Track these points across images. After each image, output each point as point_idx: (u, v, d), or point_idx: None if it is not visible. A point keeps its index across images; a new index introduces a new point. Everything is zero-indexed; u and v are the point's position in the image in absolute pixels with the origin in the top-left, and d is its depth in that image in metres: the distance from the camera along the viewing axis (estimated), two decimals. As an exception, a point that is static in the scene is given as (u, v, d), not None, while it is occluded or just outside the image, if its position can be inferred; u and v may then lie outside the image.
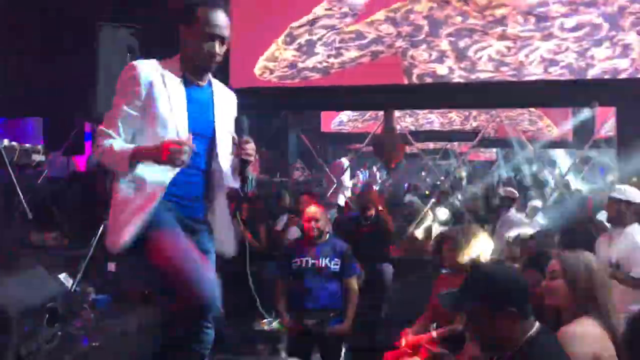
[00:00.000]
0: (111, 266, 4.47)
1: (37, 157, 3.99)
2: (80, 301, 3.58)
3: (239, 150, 2.13)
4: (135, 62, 2.12)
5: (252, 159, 2.16)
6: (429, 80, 5.56)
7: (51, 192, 6.27)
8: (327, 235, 3.97)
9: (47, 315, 2.97)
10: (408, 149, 8.06)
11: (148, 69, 2.10)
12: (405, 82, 5.62)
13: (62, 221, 6.03)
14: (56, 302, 3.05)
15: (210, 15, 2.09)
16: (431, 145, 10.85)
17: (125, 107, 2.06)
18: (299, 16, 5.81)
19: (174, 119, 2.08)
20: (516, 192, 6.06)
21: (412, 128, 9.10)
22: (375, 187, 11.13)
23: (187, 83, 2.15)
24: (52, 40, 5.40)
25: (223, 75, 5.81)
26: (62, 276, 3.69)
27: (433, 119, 9.62)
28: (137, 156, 2.01)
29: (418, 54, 5.58)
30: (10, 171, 3.37)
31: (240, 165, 2.17)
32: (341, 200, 7.47)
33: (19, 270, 3.13)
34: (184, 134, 2.07)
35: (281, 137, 8.17)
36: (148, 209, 2.04)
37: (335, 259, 3.83)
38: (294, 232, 5.18)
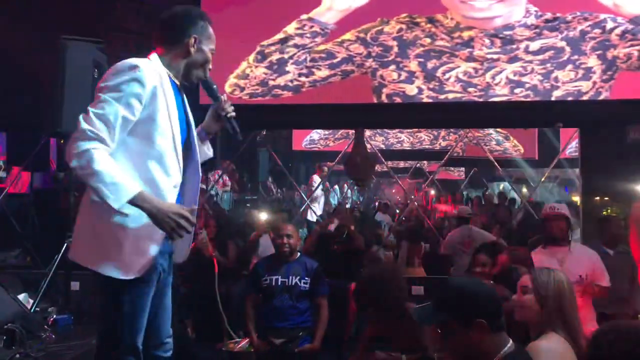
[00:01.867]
0: (75, 285, 4.35)
1: (-2, 173, 3.86)
2: (40, 322, 3.46)
3: (222, 110, 2.21)
4: (138, 62, 1.95)
5: (233, 113, 2.24)
6: (398, 99, 5.63)
7: (12, 209, 6.09)
8: (298, 254, 3.94)
9: (5, 337, 2.86)
10: (379, 168, 8.14)
11: (152, 73, 1.97)
12: (375, 101, 5.68)
13: (23, 239, 5.86)
14: (14, 324, 2.95)
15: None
16: (401, 164, 10.98)
17: (124, 111, 1.88)
18: (269, 35, 5.83)
19: (170, 127, 2.01)
20: (470, 210, 6.20)
21: (383, 147, 9.19)
22: (347, 205, 11.18)
23: (177, 88, 2.12)
24: (17, 54, 5.30)
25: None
26: (22, 296, 3.58)
27: (403, 138, 9.74)
28: (138, 203, 1.85)
29: (387, 73, 5.65)
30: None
31: (228, 123, 2.23)
32: (313, 218, 7.46)
33: (-25, 290, 3.02)
34: (179, 143, 2.04)
35: (252, 155, 8.15)
36: (161, 239, 1.99)
37: (306, 278, 3.79)
38: (264, 251, 5.14)
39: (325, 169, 8.75)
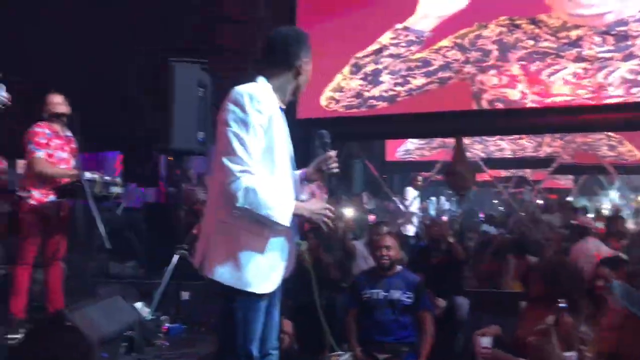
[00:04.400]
0: (184, 295, 4.55)
1: (116, 189, 4.13)
2: (155, 330, 3.65)
3: (326, 165, 2.18)
4: (254, 91, 1.99)
5: (338, 171, 2.21)
6: (500, 105, 5.40)
7: (128, 223, 6.51)
8: (399, 267, 3.86)
9: (125, 344, 3.04)
10: (479, 177, 7.84)
11: (268, 102, 2.02)
12: (475, 107, 5.48)
13: (138, 251, 6.24)
14: (133, 331, 3.13)
15: None
16: (503, 172, 10.49)
17: (255, 141, 1.95)
18: (363, 46, 5.84)
19: (284, 152, 2.09)
20: (592, 221, 5.72)
21: (482, 155, 8.84)
22: (445, 217, 10.87)
23: (283, 111, 2.15)
24: (129, 77, 5.70)
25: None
26: (139, 305, 3.79)
27: (504, 146, 9.32)
28: (297, 213, 2.02)
29: (487, 79, 5.45)
30: (91, 203, 3.51)
31: (328, 179, 2.23)
32: (410, 231, 7.32)
33: (99, 299, 3.24)
34: (290, 164, 2.13)
35: (347, 167, 8.16)
36: (291, 255, 2.11)
37: (408, 292, 3.69)
38: (363, 263, 5.10)
39: (421, 179, 8.57)
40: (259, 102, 1.96)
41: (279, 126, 2.05)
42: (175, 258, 4.19)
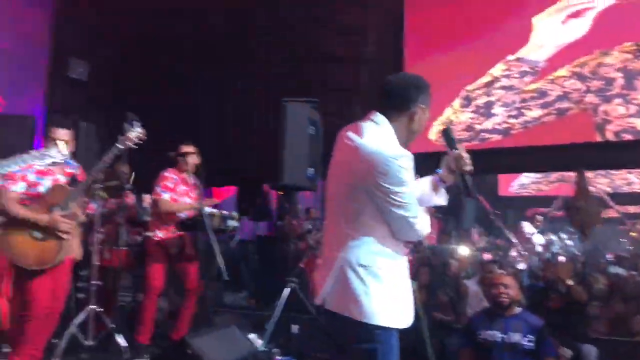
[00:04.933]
0: (294, 328, 4.61)
1: (233, 223, 4.36)
2: (267, 361, 3.73)
3: (456, 164, 2.09)
4: (401, 151, 1.98)
5: (471, 168, 2.09)
6: (627, 136, 4.99)
7: (240, 255, 6.79)
8: (518, 309, 3.63)
9: (239, 374, 3.13)
10: (605, 214, 7.24)
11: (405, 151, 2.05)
12: (599, 139, 5.12)
13: (249, 282, 6.46)
14: (247, 361, 3.21)
15: None
16: (631, 209, 9.61)
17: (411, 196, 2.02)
18: (473, 79, 5.73)
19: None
20: None
21: (608, 190, 8.19)
22: (562, 257, 10.10)
23: None
24: (245, 116, 6.02)
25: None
26: (252, 336, 3.90)
27: (632, 179, 8.58)
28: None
29: (612, 108, 5.08)
30: (211, 235, 3.72)
31: (460, 178, 2.11)
32: (525, 270, 6.89)
33: (216, 328, 3.38)
34: None
35: (456, 202, 7.92)
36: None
37: (529, 335, 3.45)
38: (475, 304, 4.87)
39: (541, 217, 8.08)
40: (408, 161, 1.97)
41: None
42: (286, 291, 4.27)
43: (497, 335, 3.51)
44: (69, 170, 3.20)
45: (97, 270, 4.03)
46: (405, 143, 2.12)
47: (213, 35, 6.47)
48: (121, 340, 3.84)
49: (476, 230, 9.34)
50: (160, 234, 4.20)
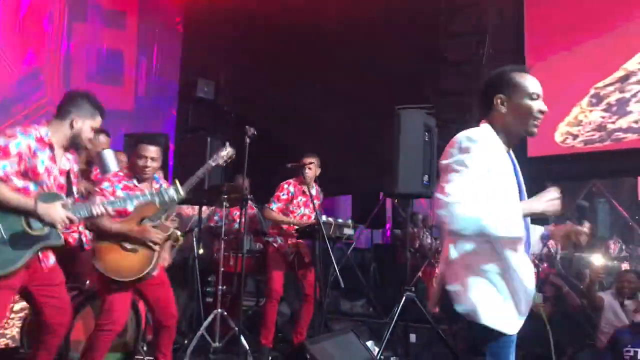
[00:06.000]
0: (412, 337, 4.57)
1: (348, 231, 4.42)
2: (384, 370, 3.72)
3: (576, 237, 2.09)
4: (473, 134, 1.98)
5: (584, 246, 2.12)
6: None
7: (357, 263, 6.84)
8: None
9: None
10: None
11: (490, 143, 2.00)
12: None
13: (366, 290, 6.49)
14: (363, 369, 3.23)
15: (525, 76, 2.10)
16: None
17: (471, 182, 1.92)
18: (604, 75, 5.30)
19: (511, 197, 2.02)
20: None
21: None
22: None
23: (510, 155, 2.10)
24: (360, 125, 6.08)
25: (521, 144, 5.62)
26: (370, 343, 3.91)
27: None
28: (528, 212, 1.92)
29: None
30: (328, 244, 3.81)
31: (573, 246, 2.12)
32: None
33: (334, 335, 3.44)
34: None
35: (589, 208, 7.34)
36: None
37: None
38: (612, 317, 4.48)
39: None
40: (475, 145, 1.93)
41: (504, 170, 1.98)
42: (403, 299, 4.24)
43: None
44: (156, 186, 3.38)
45: (222, 275, 4.30)
46: (512, 138, 2.06)
47: (330, 43, 6.63)
48: (245, 342, 4.05)
49: (613, 239, 8.58)
50: (279, 241, 4.45)
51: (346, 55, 6.51)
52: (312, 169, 4.50)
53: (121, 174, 3.36)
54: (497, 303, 1.96)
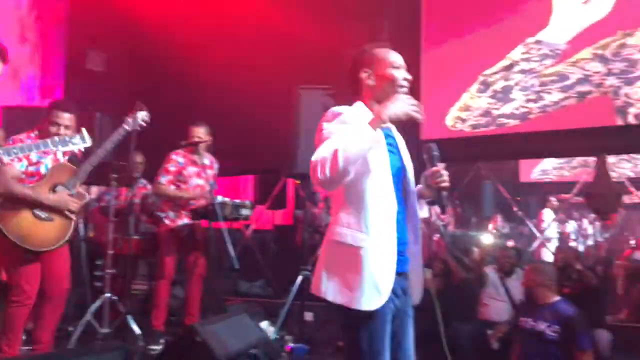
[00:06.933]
0: (308, 316, 4.63)
1: (246, 212, 4.36)
2: (279, 349, 3.74)
3: (433, 180, 2.10)
4: (342, 109, 2.04)
5: (448, 184, 2.11)
6: (650, 119, 4.85)
7: (257, 244, 6.82)
8: (555, 297, 3.64)
9: (249, 361, 3.14)
10: (627, 199, 7.07)
11: (359, 117, 2.03)
12: (619, 123, 4.98)
13: (265, 271, 6.49)
14: (257, 349, 3.22)
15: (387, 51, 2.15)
16: (657, 194, 9.38)
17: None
18: (491, 64, 5.61)
19: (383, 172, 2.04)
20: None
21: (631, 175, 7.98)
22: (589, 242, 9.93)
23: (388, 131, 2.13)
24: (261, 104, 6.00)
25: (414, 128, 5.83)
26: (264, 324, 3.91)
27: (657, 164, 8.35)
28: (378, 124, 1.91)
29: (634, 91, 4.93)
30: (222, 225, 3.74)
31: (436, 194, 2.13)
32: (547, 257, 6.79)
33: (227, 317, 3.40)
34: (389, 186, 2.05)
35: (475, 189, 7.81)
36: (393, 274, 2.01)
37: (555, 326, 3.45)
38: (493, 291, 4.82)
39: (555, 201, 7.94)
40: (341, 114, 2.00)
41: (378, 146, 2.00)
42: (299, 279, 4.28)
43: (530, 322, 3.59)
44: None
45: (114, 259, 4.09)
46: (392, 111, 2.01)
47: (232, 17, 6.44)
48: (135, 327, 3.90)
49: (498, 218, 9.23)
50: (171, 216, 4.26)
51: (250, 30, 6.38)
52: (202, 137, 4.34)
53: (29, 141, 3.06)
54: (354, 280, 1.96)
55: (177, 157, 4.32)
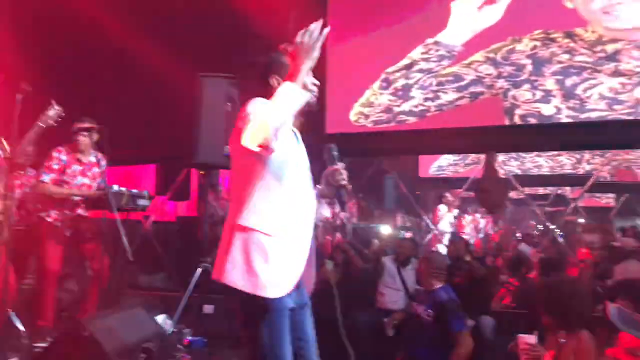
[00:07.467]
0: (208, 308, 4.56)
1: (143, 202, 4.21)
2: (175, 343, 3.66)
3: (333, 178, 2.21)
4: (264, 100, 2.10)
5: (346, 183, 2.23)
6: (533, 120, 5.25)
7: (158, 235, 6.61)
8: (439, 284, 3.87)
9: (143, 355, 3.05)
10: (515, 195, 7.62)
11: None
12: (507, 123, 5.36)
13: (166, 263, 6.32)
14: (152, 343, 3.14)
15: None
16: (541, 190, 10.20)
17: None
18: (394, 62, 5.81)
19: (295, 167, 2.12)
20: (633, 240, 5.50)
21: (519, 172, 8.62)
22: (480, 235, 10.60)
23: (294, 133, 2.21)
24: (163, 91, 5.81)
25: (319, 123, 5.90)
26: (161, 317, 3.81)
27: (541, 163, 9.08)
28: (297, 81, 1.97)
29: (520, 94, 5.32)
30: (116, 215, 3.58)
31: (338, 191, 2.24)
32: (440, 249, 7.17)
33: (120, 310, 3.27)
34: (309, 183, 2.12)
35: (377, 183, 8.09)
36: (298, 268, 2.06)
37: (429, 310, 3.70)
38: (390, 280, 5.02)
39: (449, 196, 8.42)
40: (260, 100, 2.05)
41: (288, 140, 2.07)
42: (199, 271, 4.21)
43: (415, 307, 3.80)
44: None
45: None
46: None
47: (126, 3, 6.17)
48: (19, 324, 3.65)
49: (399, 211, 9.60)
50: (52, 215, 4.02)
51: (153, 17, 6.15)
52: (87, 135, 4.10)
53: None
54: (264, 268, 1.99)
55: (60, 155, 4.06)
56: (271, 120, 1.88)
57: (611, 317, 1.78)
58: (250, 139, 1.92)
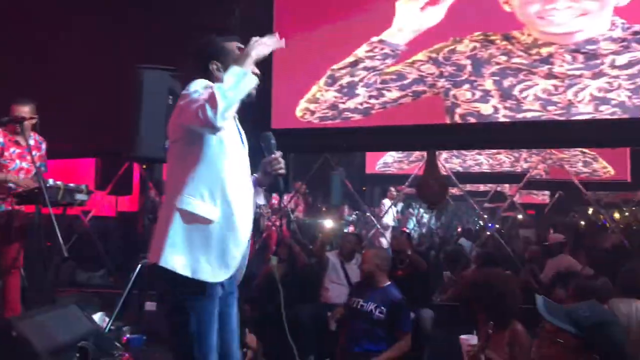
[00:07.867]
0: (150, 305, 4.48)
1: (81, 197, 4.07)
2: (113, 341, 3.57)
3: (271, 167, 2.21)
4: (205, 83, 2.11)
5: (284, 171, 2.24)
6: (472, 119, 5.43)
7: (98, 231, 6.42)
8: (387, 282, 3.93)
9: (78, 355, 2.97)
10: (456, 191, 7.86)
11: None
12: (448, 121, 5.51)
13: (105, 259, 6.15)
14: (87, 342, 3.05)
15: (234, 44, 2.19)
16: (481, 187, 10.56)
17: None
18: (340, 59, 5.85)
19: (236, 153, 2.14)
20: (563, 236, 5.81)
21: (460, 169, 8.88)
22: (423, 230, 10.87)
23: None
24: (104, 83, 5.64)
25: (265, 118, 5.88)
26: (98, 315, 3.71)
27: (482, 160, 9.39)
28: (248, 60, 2.00)
29: (461, 93, 5.48)
30: (50, 210, 3.45)
31: (275, 179, 2.25)
32: (384, 243, 7.30)
33: (53, 308, 3.16)
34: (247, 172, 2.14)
35: (325, 179, 8.14)
36: (235, 255, 2.04)
37: (382, 307, 3.75)
38: (334, 275, 5.07)
39: (394, 191, 8.60)
40: (196, 82, 2.04)
41: (229, 127, 2.07)
42: (139, 267, 4.12)
43: (360, 303, 3.81)
44: None
45: None
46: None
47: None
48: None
49: (346, 206, 9.71)
50: None
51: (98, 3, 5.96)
52: (26, 116, 3.94)
53: None
54: (203, 252, 1.99)
55: None
56: (221, 98, 1.86)
57: (538, 308, 1.86)
58: (195, 117, 1.89)
